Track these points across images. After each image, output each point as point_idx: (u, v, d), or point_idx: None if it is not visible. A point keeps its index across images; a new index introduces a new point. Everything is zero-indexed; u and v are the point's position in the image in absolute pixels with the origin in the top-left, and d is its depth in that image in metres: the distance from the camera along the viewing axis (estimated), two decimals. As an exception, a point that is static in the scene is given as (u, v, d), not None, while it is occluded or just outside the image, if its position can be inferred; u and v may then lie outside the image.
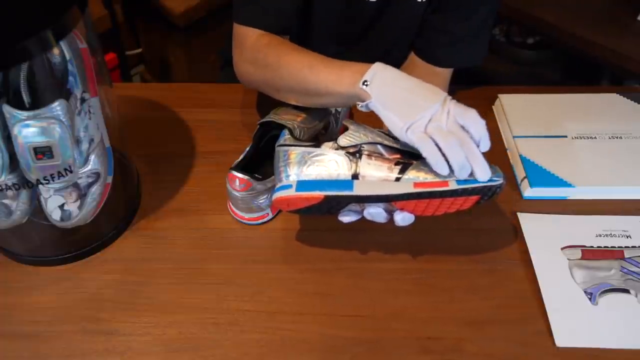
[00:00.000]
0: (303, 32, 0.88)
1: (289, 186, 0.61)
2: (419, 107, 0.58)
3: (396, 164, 0.60)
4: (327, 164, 0.60)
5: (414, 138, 0.58)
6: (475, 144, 0.58)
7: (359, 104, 0.62)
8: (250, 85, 0.78)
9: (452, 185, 0.58)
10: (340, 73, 0.64)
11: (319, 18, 0.85)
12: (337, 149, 0.61)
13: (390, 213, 0.62)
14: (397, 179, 0.59)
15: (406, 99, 0.60)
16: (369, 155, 0.60)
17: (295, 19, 0.80)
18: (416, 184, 0.58)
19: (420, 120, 0.58)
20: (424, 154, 0.58)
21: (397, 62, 0.88)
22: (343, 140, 0.61)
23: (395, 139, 0.63)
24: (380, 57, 0.90)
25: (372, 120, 0.64)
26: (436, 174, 0.58)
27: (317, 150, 0.61)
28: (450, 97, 0.59)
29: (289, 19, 0.78)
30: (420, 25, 0.84)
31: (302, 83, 0.69)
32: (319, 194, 0.59)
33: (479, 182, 0.58)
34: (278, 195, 0.61)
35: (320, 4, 0.83)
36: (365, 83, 0.61)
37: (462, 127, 0.58)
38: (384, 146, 0.61)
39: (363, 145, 0.61)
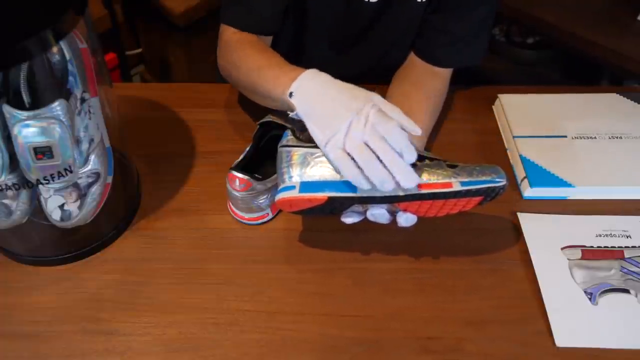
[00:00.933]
0: (300, 34, 0.88)
1: (292, 187, 0.61)
2: (337, 117, 0.57)
3: None
4: (330, 165, 0.60)
5: (331, 156, 0.58)
6: (397, 152, 0.56)
7: (289, 113, 0.62)
8: (227, 80, 0.80)
9: (456, 187, 0.58)
10: (278, 79, 0.65)
11: (317, 20, 0.85)
12: None
13: (393, 214, 0.62)
14: None
15: (327, 109, 0.59)
16: None
17: (280, 23, 0.81)
18: (420, 185, 0.58)
19: (338, 134, 0.57)
20: (342, 174, 0.58)
21: (396, 62, 0.88)
22: None
23: None
24: (380, 57, 0.91)
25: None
26: (441, 175, 0.58)
27: (320, 151, 0.61)
28: (372, 104, 0.57)
29: (273, 22, 0.80)
30: (420, 25, 0.84)
31: (252, 83, 0.71)
32: (323, 195, 0.59)
33: (483, 182, 0.58)
34: (281, 196, 0.61)
35: (317, 7, 0.83)
36: (291, 94, 0.61)
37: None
38: None
39: None
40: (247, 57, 0.74)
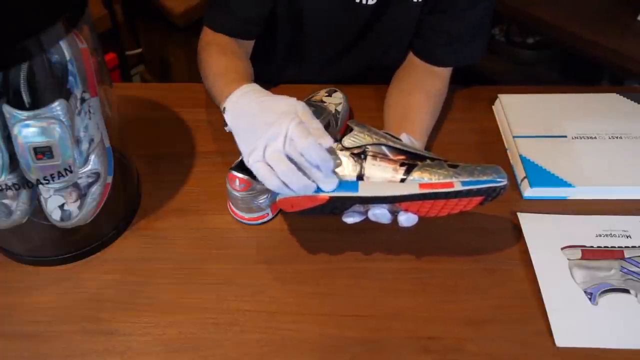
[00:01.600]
0: (298, 38, 0.88)
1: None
2: (256, 132, 0.59)
3: (401, 165, 0.60)
4: None
5: (253, 167, 0.59)
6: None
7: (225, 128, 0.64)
8: None
9: (457, 186, 0.58)
10: (222, 92, 0.67)
11: (314, 24, 0.85)
12: (341, 149, 0.61)
13: (394, 214, 0.62)
14: (403, 180, 0.59)
15: (249, 124, 0.61)
16: (374, 157, 0.60)
17: (259, 28, 0.82)
18: (422, 185, 0.58)
19: (257, 148, 0.58)
20: (266, 185, 0.59)
21: (395, 61, 0.88)
22: (348, 141, 0.61)
23: (398, 139, 0.63)
24: (379, 58, 0.90)
25: (375, 122, 0.65)
26: (442, 175, 0.58)
27: None
28: (291, 118, 0.57)
29: (254, 26, 0.81)
30: (418, 25, 0.83)
31: (209, 88, 0.74)
32: (324, 195, 0.59)
33: (484, 182, 0.58)
34: (283, 196, 0.61)
35: (314, 11, 0.82)
36: (224, 109, 0.64)
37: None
38: (389, 147, 0.61)
39: (368, 146, 0.61)
40: (210, 59, 0.76)
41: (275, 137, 0.57)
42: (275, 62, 0.93)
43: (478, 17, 0.80)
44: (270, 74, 0.93)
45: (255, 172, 0.59)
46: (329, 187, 0.59)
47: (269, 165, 0.58)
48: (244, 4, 0.79)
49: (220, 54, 0.76)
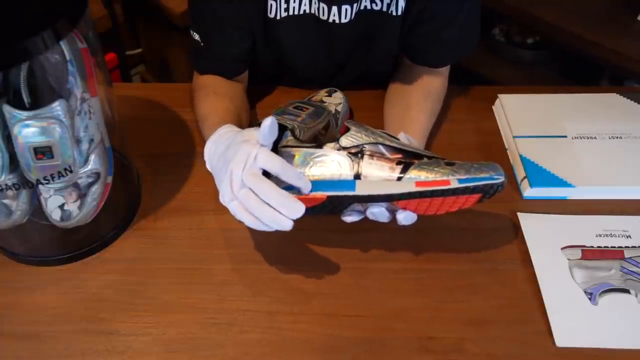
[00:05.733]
0: (283, 64, 0.87)
1: (292, 187, 0.61)
2: (220, 173, 0.60)
3: (398, 163, 0.60)
4: (329, 165, 0.61)
5: (229, 207, 0.59)
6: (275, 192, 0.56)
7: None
8: None
9: (454, 184, 0.58)
10: (206, 136, 0.69)
11: (295, 51, 0.84)
12: (339, 149, 0.61)
13: (392, 212, 0.62)
14: (399, 179, 0.59)
15: (218, 164, 0.62)
16: (371, 156, 0.60)
17: (246, 61, 0.84)
18: (418, 183, 0.58)
19: (225, 188, 0.59)
20: (240, 221, 0.59)
21: (389, 68, 0.88)
22: (345, 140, 0.62)
23: (396, 139, 0.63)
24: (373, 66, 0.89)
25: (374, 122, 0.65)
26: (438, 173, 0.59)
27: (319, 151, 0.61)
28: (252, 153, 0.57)
29: (238, 62, 0.83)
30: (407, 36, 0.81)
31: (199, 128, 0.78)
32: (322, 194, 0.59)
33: (481, 180, 0.58)
34: None
35: (290, 37, 0.81)
36: (204, 155, 0.66)
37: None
38: (386, 146, 0.61)
39: (365, 146, 0.61)
40: (196, 103, 0.79)
41: (234, 175, 0.57)
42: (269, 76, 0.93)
43: (467, 15, 0.78)
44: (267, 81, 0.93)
45: (232, 212, 0.59)
46: (290, 214, 0.56)
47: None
48: (223, 44, 0.80)
49: (205, 97, 0.79)
